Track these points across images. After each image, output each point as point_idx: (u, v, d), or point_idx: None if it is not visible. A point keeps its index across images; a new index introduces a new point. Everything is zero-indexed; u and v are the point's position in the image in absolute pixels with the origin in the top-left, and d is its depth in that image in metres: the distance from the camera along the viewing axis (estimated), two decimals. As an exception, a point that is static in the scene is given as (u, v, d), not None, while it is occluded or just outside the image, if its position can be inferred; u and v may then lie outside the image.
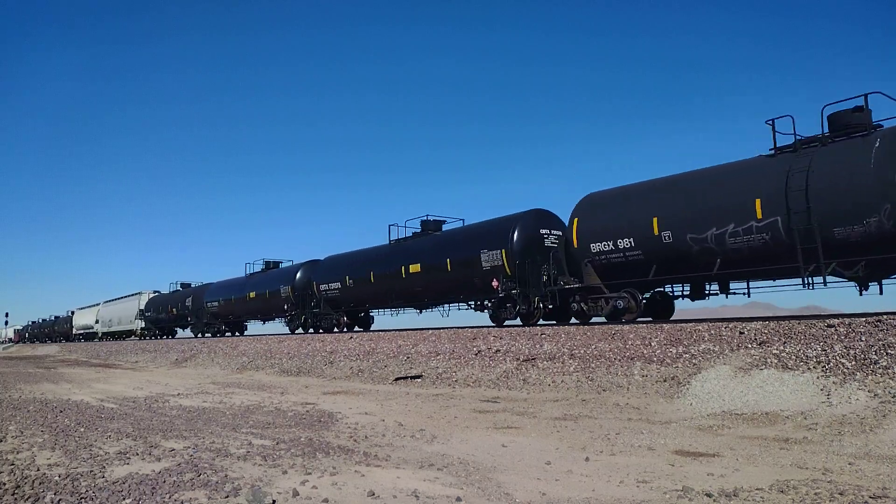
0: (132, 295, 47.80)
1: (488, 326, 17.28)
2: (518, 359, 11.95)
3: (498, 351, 12.80)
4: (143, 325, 44.60)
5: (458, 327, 18.29)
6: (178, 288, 41.78)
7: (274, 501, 4.32)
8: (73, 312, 66.73)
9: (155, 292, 45.38)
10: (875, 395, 6.92)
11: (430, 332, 17.06)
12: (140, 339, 44.17)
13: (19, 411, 9.88)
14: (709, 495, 4.24)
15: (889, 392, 6.86)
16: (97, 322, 55.48)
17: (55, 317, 75.81)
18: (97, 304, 57.64)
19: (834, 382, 7.43)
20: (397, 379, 13.02)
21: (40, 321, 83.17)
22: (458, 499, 4.32)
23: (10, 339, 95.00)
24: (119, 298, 51.36)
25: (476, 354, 13.04)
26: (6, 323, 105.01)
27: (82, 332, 60.24)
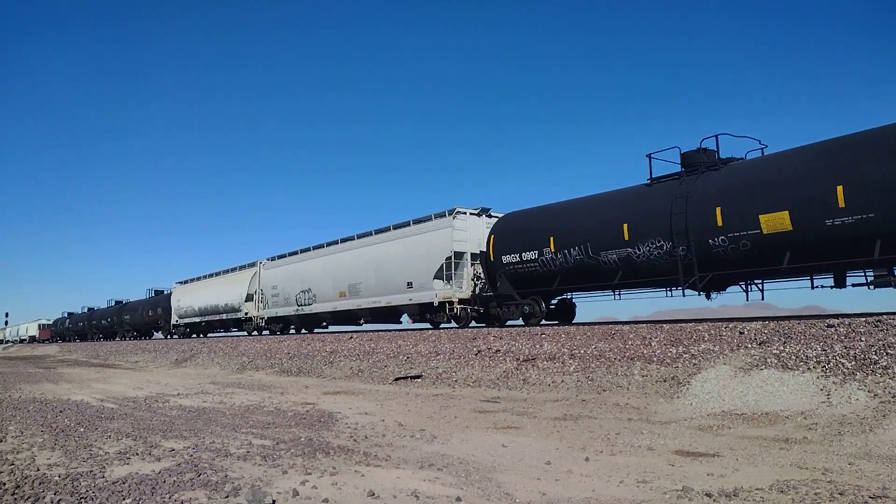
0: (423, 221, 19.60)
1: (484, 327, 17.27)
2: (518, 359, 11.95)
3: (498, 351, 12.80)
4: (476, 289, 17.76)
5: (458, 327, 18.29)
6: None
7: (274, 501, 4.32)
8: (158, 292, 43.73)
9: (481, 211, 18.61)
10: (875, 395, 6.92)
11: (430, 332, 17.07)
12: (457, 325, 18.15)
13: (19, 411, 9.88)
14: (709, 495, 4.24)
15: (889, 392, 6.86)
16: (253, 298, 29.26)
17: (117, 302, 50.99)
18: (248, 266, 30.66)
19: (834, 382, 7.42)
20: (397, 379, 13.02)
21: (86, 311, 59.76)
22: (458, 499, 4.32)
23: (34, 338, 74.53)
24: (351, 240, 23.08)
25: (476, 354, 13.04)
26: (6, 322, 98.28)
27: (199, 319, 34.92)
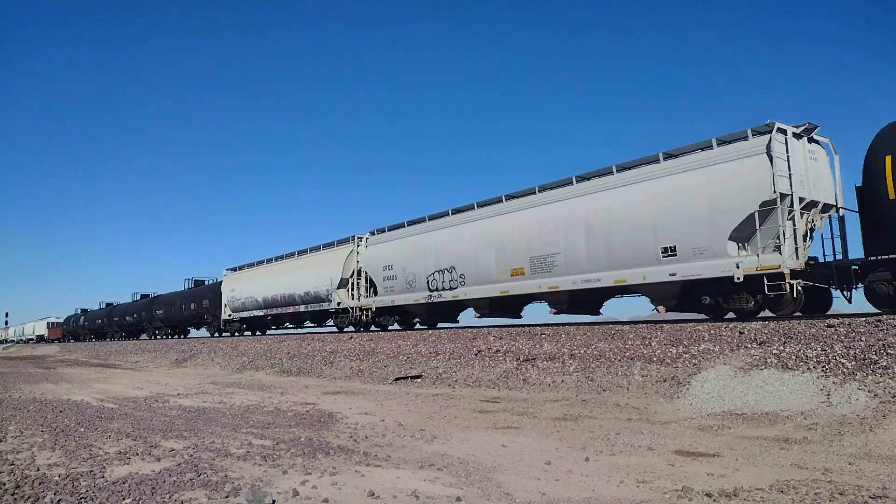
0: (691, 151, 12.59)
1: (492, 326, 17.26)
2: (518, 359, 11.95)
3: (498, 351, 12.80)
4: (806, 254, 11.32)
5: (459, 327, 18.30)
6: None
7: (274, 501, 4.32)
8: (199, 282, 37.41)
9: (804, 130, 11.73)
10: (875, 395, 6.92)
11: (430, 332, 17.07)
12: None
13: (19, 411, 9.88)
14: (709, 495, 4.24)
15: (889, 392, 6.86)
16: (349, 284, 22.17)
17: (143, 295, 46.08)
18: (340, 243, 23.23)
19: (834, 382, 7.43)
20: (397, 379, 13.02)
21: (104, 306, 54.11)
22: (458, 499, 4.32)
23: (42, 337, 69.13)
24: (530, 195, 15.96)
25: (476, 354, 13.04)
26: (6, 322, 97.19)
27: (263, 312, 27.54)
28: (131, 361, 28.68)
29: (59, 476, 5.14)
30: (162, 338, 39.69)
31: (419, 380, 12.70)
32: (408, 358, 14.39)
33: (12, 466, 5.61)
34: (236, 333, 30.48)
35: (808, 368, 7.92)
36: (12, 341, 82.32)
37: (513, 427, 7.38)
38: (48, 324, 69.49)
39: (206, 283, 37.28)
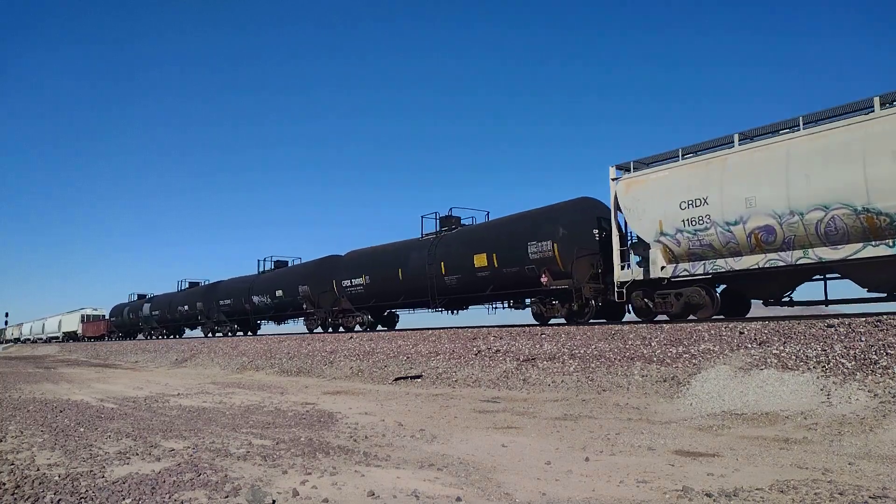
0: None
1: (493, 326, 17.27)
2: (518, 359, 11.95)
3: (498, 351, 12.80)
4: None
5: (459, 327, 18.29)
6: None
7: (274, 501, 4.32)
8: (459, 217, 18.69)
9: None
10: (875, 395, 6.93)
11: (430, 332, 17.06)
12: None
13: (19, 411, 9.88)
14: (709, 495, 4.24)
15: (889, 392, 6.86)
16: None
17: (279, 262, 29.88)
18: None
19: (834, 382, 7.43)
20: (397, 379, 13.02)
21: (188, 286, 38.66)
22: (458, 499, 4.32)
23: (75, 335, 55.01)
24: None
25: (476, 354, 13.04)
26: (6, 322, 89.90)
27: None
28: (131, 361, 28.69)
29: (59, 476, 5.14)
30: (362, 331, 21.67)
31: (419, 380, 12.70)
32: (408, 358, 14.39)
33: (12, 466, 5.61)
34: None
35: (808, 368, 7.93)
36: (28, 339, 71.17)
37: (513, 427, 7.38)
38: (83, 317, 53.36)
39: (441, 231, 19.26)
